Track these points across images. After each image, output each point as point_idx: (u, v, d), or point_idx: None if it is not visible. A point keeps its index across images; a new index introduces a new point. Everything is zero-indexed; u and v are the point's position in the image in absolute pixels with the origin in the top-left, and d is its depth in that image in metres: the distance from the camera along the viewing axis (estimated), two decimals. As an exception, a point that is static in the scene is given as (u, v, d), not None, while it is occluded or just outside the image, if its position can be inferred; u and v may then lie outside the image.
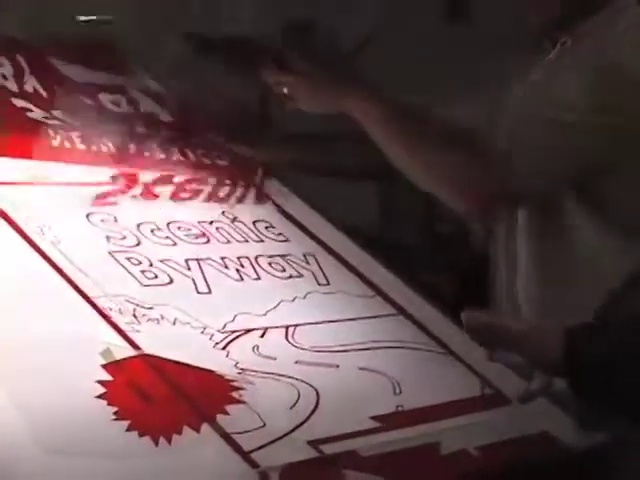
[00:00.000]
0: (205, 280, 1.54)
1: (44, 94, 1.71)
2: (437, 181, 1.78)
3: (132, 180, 1.65)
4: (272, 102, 1.96)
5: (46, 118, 1.65)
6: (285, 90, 1.85)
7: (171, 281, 1.50)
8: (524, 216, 1.86)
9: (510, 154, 1.71)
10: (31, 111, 1.65)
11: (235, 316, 1.47)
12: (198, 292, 1.51)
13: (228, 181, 1.80)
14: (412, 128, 1.79)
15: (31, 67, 1.74)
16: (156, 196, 1.68)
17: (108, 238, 1.54)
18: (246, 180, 1.83)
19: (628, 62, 1.71)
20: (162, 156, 1.73)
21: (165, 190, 1.69)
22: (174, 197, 1.70)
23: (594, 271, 1.75)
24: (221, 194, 1.76)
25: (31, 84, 1.71)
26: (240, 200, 1.79)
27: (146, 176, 1.69)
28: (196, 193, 1.73)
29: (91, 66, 1.85)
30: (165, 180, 1.71)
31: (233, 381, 1.33)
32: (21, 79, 1.70)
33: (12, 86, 1.68)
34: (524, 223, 1.87)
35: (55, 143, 1.62)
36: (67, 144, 1.62)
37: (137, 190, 1.65)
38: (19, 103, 1.65)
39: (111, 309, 1.38)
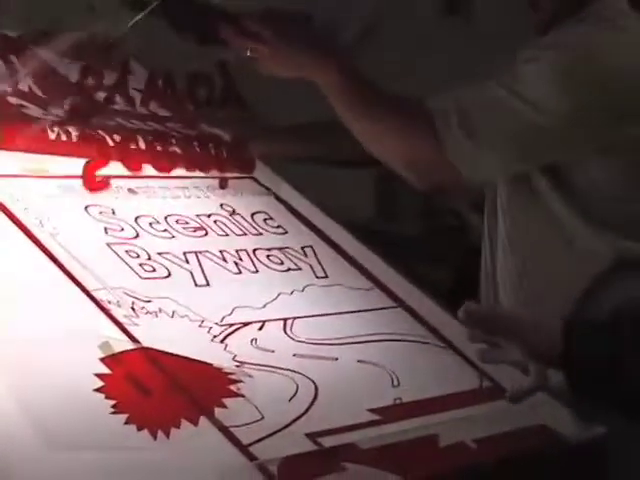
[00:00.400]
0: (203, 273, 1.54)
1: (39, 92, 1.71)
2: (389, 156, 1.80)
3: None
4: (233, 72, 1.97)
5: (42, 114, 1.65)
6: (249, 53, 1.86)
7: (169, 274, 1.50)
8: (503, 201, 1.88)
9: (469, 139, 1.72)
10: (27, 108, 1.65)
11: (233, 309, 1.47)
12: (196, 285, 1.51)
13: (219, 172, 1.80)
14: (370, 99, 1.82)
15: (25, 66, 1.74)
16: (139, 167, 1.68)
17: (106, 230, 1.54)
18: (241, 169, 1.83)
19: (597, 61, 1.72)
20: (159, 148, 1.72)
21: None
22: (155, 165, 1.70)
23: (570, 258, 1.76)
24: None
25: (26, 83, 1.71)
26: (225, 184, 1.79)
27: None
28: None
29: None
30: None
31: (231, 374, 1.33)
32: (15, 78, 1.70)
33: (7, 85, 1.68)
34: (503, 208, 1.88)
35: (52, 137, 1.62)
36: (64, 138, 1.62)
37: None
38: (14, 101, 1.66)
39: (109, 302, 1.38)
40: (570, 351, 1.34)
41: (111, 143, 1.64)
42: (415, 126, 1.77)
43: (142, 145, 1.68)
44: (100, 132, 1.65)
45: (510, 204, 1.85)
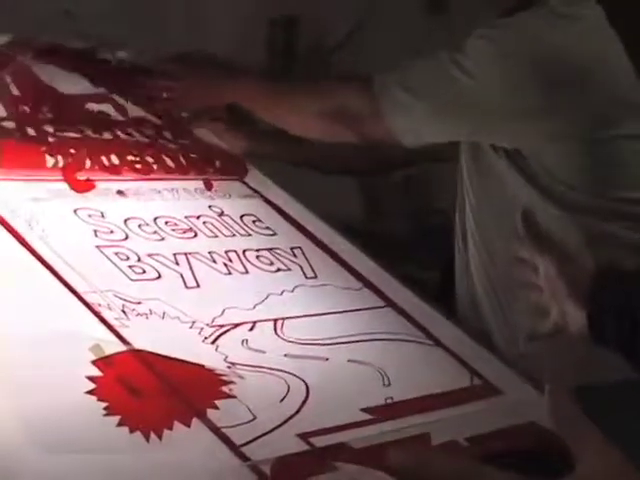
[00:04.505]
0: (193, 274, 1.54)
1: (27, 110, 1.71)
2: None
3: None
4: None
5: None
6: (165, 95, 1.89)
7: (159, 276, 1.50)
8: (469, 193, 1.90)
9: (406, 94, 1.75)
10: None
11: (224, 310, 1.47)
12: (186, 287, 1.51)
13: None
14: (295, 90, 1.87)
15: (15, 81, 1.74)
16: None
17: (96, 233, 1.54)
18: (233, 172, 1.83)
19: (541, 46, 1.75)
20: (151, 160, 1.73)
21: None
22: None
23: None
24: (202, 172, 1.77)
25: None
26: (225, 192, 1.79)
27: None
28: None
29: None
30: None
31: (223, 375, 1.33)
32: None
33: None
34: (470, 200, 1.90)
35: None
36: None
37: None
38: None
39: (100, 304, 1.38)
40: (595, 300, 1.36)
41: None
42: (349, 86, 1.82)
43: (134, 154, 1.70)
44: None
45: (476, 194, 1.87)
